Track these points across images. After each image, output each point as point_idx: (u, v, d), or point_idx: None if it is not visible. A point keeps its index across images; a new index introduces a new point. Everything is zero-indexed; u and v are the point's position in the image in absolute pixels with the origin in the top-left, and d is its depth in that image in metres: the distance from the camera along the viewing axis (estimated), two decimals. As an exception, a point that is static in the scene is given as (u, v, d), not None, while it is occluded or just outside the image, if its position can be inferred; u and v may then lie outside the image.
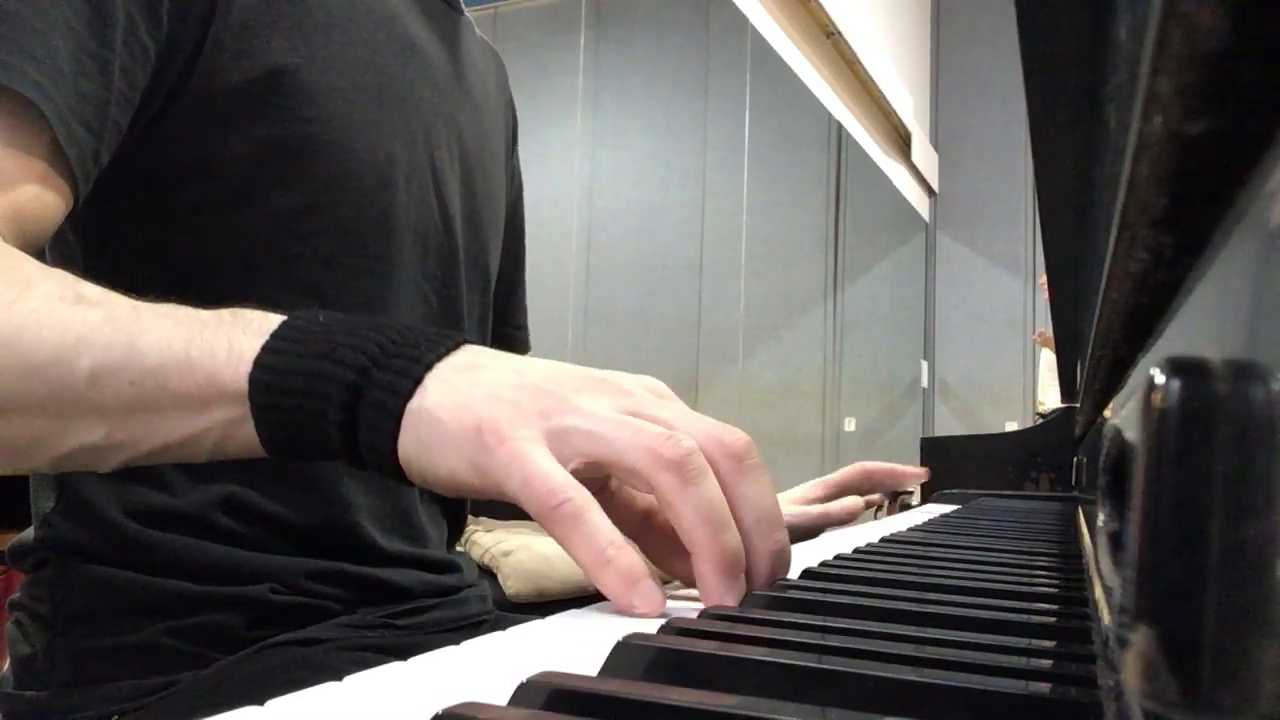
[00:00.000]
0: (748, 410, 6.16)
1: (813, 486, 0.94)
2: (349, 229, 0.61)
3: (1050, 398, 3.58)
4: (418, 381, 0.37)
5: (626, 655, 0.24)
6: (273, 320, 0.40)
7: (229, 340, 0.39)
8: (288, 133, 0.57)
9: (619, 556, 0.33)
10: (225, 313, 0.41)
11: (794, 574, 0.42)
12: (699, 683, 0.23)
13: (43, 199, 0.48)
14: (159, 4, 0.53)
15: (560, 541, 0.34)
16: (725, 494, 0.35)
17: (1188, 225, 0.19)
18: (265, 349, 0.39)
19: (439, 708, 0.19)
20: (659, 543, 0.39)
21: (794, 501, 0.90)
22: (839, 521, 0.87)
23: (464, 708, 0.19)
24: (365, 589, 0.62)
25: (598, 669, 0.24)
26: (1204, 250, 0.19)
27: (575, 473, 0.35)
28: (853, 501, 0.90)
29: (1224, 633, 0.13)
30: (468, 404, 0.36)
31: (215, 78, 0.55)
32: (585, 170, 6.84)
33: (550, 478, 0.34)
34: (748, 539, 0.36)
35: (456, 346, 0.39)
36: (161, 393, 0.39)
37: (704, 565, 0.34)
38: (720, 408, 6.25)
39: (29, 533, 0.59)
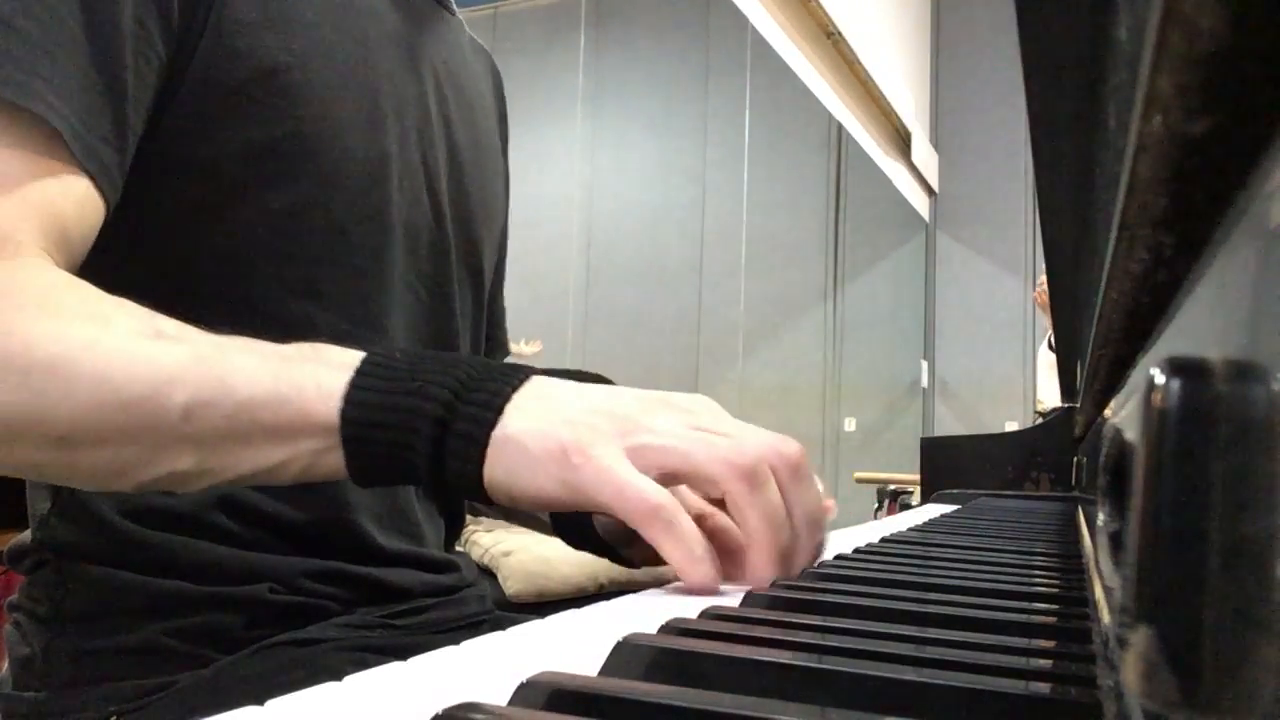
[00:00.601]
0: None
1: None
2: (343, 227, 0.61)
3: (1050, 397, 3.58)
4: (499, 412, 0.42)
5: (626, 655, 0.24)
6: (352, 356, 0.44)
7: (315, 376, 0.43)
8: (280, 131, 0.57)
9: (705, 557, 0.39)
10: (306, 348, 0.44)
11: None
12: (699, 683, 0.23)
13: (84, 215, 0.49)
14: (170, 11, 0.53)
15: (654, 542, 0.39)
16: (782, 497, 0.41)
17: (1188, 225, 0.19)
18: (354, 385, 0.42)
19: (439, 708, 0.19)
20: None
21: None
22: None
23: (464, 708, 0.19)
24: (364, 589, 0.62)
25: (598, 669, 0.24)
26: (1204, 250, 0.19)
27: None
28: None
29: (1224, 633, 0.13)
30: (549, 429, 0.41)
31: (208, 77, 0.55)
32: (585, 170, 6.84)
33: (641, 485, 0.39)
34: (796, 535, 0.41)
35: (527, 379, 0.44)
36: (253, 425, 0.42)
37: (760, 557, 0.39)
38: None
39: (27, 534, 0.59)
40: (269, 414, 0.42)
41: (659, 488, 0.39)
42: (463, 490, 0.42)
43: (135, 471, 0.43)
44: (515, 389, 0.43)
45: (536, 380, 0.44)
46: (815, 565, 0.44)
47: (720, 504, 0.44)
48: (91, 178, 0.49)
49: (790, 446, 0.42)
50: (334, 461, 0.43)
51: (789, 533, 0.41)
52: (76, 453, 0.43)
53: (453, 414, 0.42)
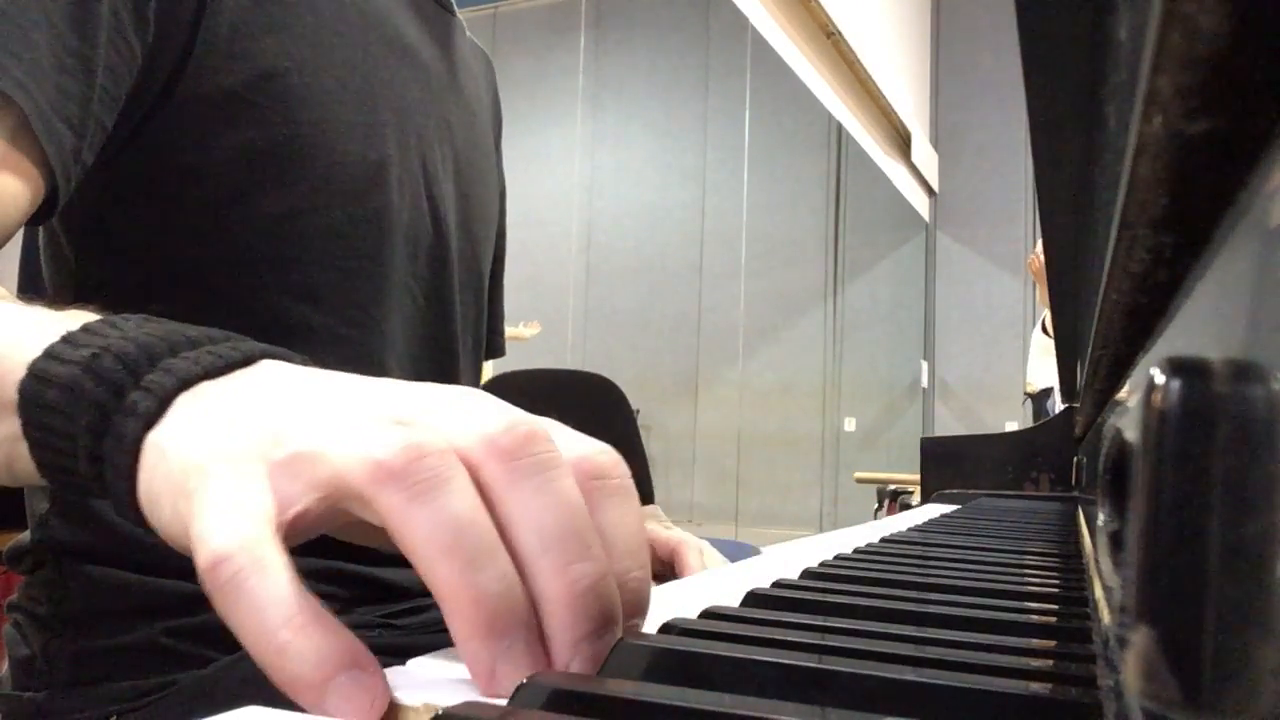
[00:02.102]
0: (748, 410, 6.16)
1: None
2: (341, 231, 0.61)
3: (1039, 378, 3.55)
4: (166, 402, 0.29)
5: (626, 655, 0.24)
6: (88, 319, 0.33)
7: (27, 341, 0.32)
8: (279, 135, 0.57)
9: (296, 640, 0.22)
10: (62, 312, 0.35)
11: (794, 574, 0.42)
12: (699, 683, 0.23)
13: (12, 198, 0.47)
14: (145, 4, 0.53)
15: (225, 620, 0.24)
16: (493, 510, 0.24)
17: (1188, 225, 0.19)
18: (44, 351, 0.31)
19: (439, 708, 0.19)
20: None
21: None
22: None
23: (464, 707, 0.19)
24: (363, 588, 0.62)
25: (598, 669, 0.24)
26: (1204, 250, 0.19)
27: (309, 518, 0.25)
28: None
29: (1224, 633, 0.13)
30: (196, 437, 0.27)
31: (205, 80, 0.55)
32: (585, 170, 6.84)
33: (212, 535, 0.24)
34: (531, 572, 0.24)
35: (245, 361, 0.31)
36: None
37: (454, 620, 0.23)
38: (720, 408, 6.26)
39: (27, 534, 0.59)
40: None
41: (234, 529, 0.24)
42: (125, 516, 0.29)
43: None
44: (207, 373, 0.30)
45: (260, 366, 0.31)
46: (639, 620, 0.26)
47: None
48: (38, 161, 0.48)
49: (521, 431, 0.25)
50: (23, 455, 0.32)
51: (499, 571, 0.23)
52: None
53: (118, 400, 0.29)
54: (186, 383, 0.29)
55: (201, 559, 0.24)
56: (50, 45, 0.48)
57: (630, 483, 0.27)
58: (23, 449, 0.32)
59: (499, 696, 0.22)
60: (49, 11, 0.48)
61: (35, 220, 0.50)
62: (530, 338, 4.51)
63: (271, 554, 0.24)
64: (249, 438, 0.27)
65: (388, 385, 0.29)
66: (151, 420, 0.28)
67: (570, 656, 0.23)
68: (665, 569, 0.71)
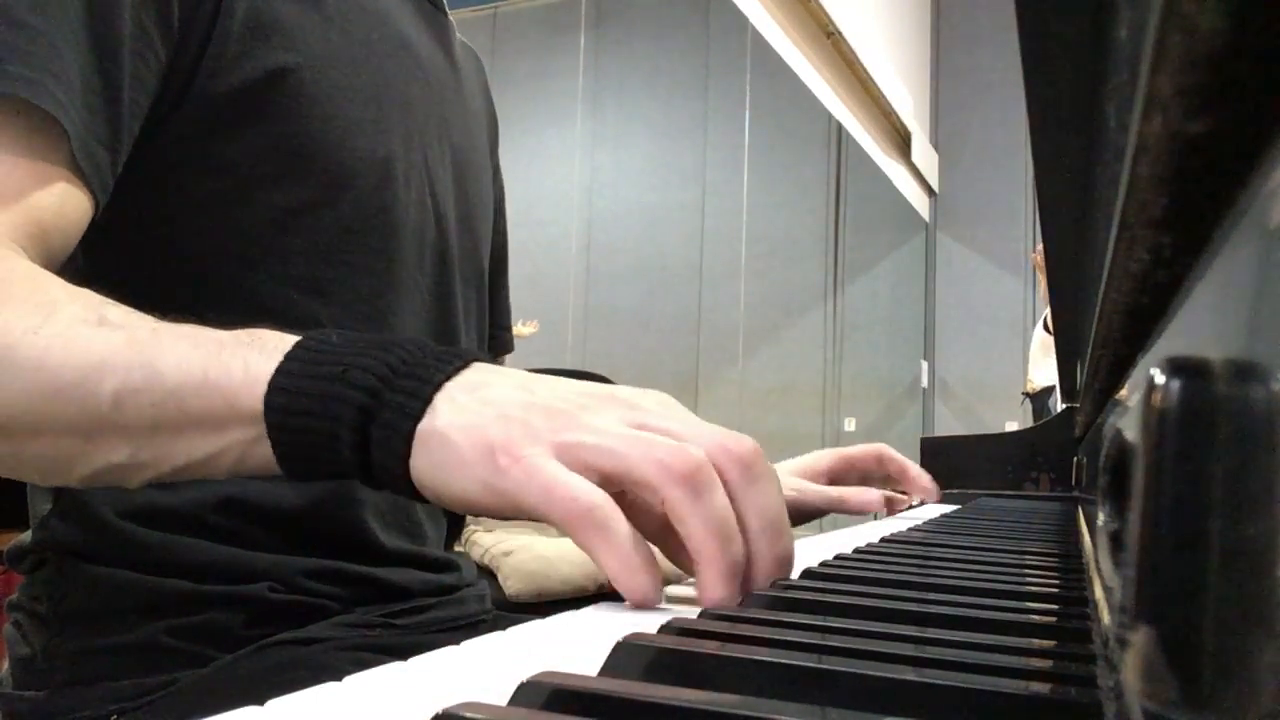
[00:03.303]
0: (748, 410, 6.16)
1: (823, 456, 0.92)
2: (350, 227, 0.61)
3: (1040, 376, 3.55)
4: (427, 402, 0.38)
5: (626, 655, 0.24)
6: (288, 341, 0.41)
7: (245, 361, 0.40)
8: (288, 132, 0.58)
9: (643, 568, 0.34)
10: (243, 333, 0.42)
11: (794, 574, 0.42)
12: (699, 683, 0.23)
13: (64, 213, 0.49)
14: (170, 12, 0.53)
15: (586, 548, 0.35)
16: (733, 502, 0.36)
17: (1188, 225, 0.19)
18: (279, 370, 0.39)
19: (439, 708, 0.19)
20: (679, 546, 0.39)
21: (802, 472, 0.89)
22: (852, 512, 0.86)
23: (464, 708, 0.19)
24: (364, 587, 0.62)
25: (598, 669, 0.24)
26: (1204, 250, 0.19)
27: None
28: (873, 495, 0.88)
29: (1224, 633, 0.13)
30: (478, 424, 0.37)
31: (218, 79, 0.56)
32: (585, 170, 6.84)
33: (571, 485, 0.34)
34: (753, 545, 0.36)
35: (465, 365, 0.40)
36: (181, 414, 0.40)
37: (708, 574, 0.34)
38: (720, 408, 6.26)
39: (28, 534, 0.59)
40: (198, 402, 0.40)
41: (592, 488, 0.35)
42: (392, 486, 0.39)
43: (75, 463, 0.42)
44: (449, 377, 0.39)
45: (477, 367, 0.40)
46: (783, 577, 0.38)
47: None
48: (84, 178, 0.49)
49: (741, 443, 0.37)
50: (264, 453, 0.40)
51: (739, 545, 0.35)
52: (17, 443, 0.42)
53: (379, 402, 0.38)
54: (438, 386, 0.38)
55: (566, 502, 0.34)
56: (77, 65, 0.49)
57: (766, 467, 0.38)
58: (260, 449, 0.40)
59: (726, 608, 0.32)
60: (74, 31, 0.49)
61: None
62: (528, 336, 4.51)
63: (612, 500, 0.35)
64: (528, 426, 0.36)
65: (599, 386, 0.39)
66: (419, 415, 0.38)
67: (765, 585, 0.36)
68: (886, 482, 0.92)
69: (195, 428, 0.41)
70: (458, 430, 0.37)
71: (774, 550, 0.37)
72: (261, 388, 0.39)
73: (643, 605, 0.34)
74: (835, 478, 0.91)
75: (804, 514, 0.87)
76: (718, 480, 0.35)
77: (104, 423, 0.41)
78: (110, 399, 0.40)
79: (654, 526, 0.38)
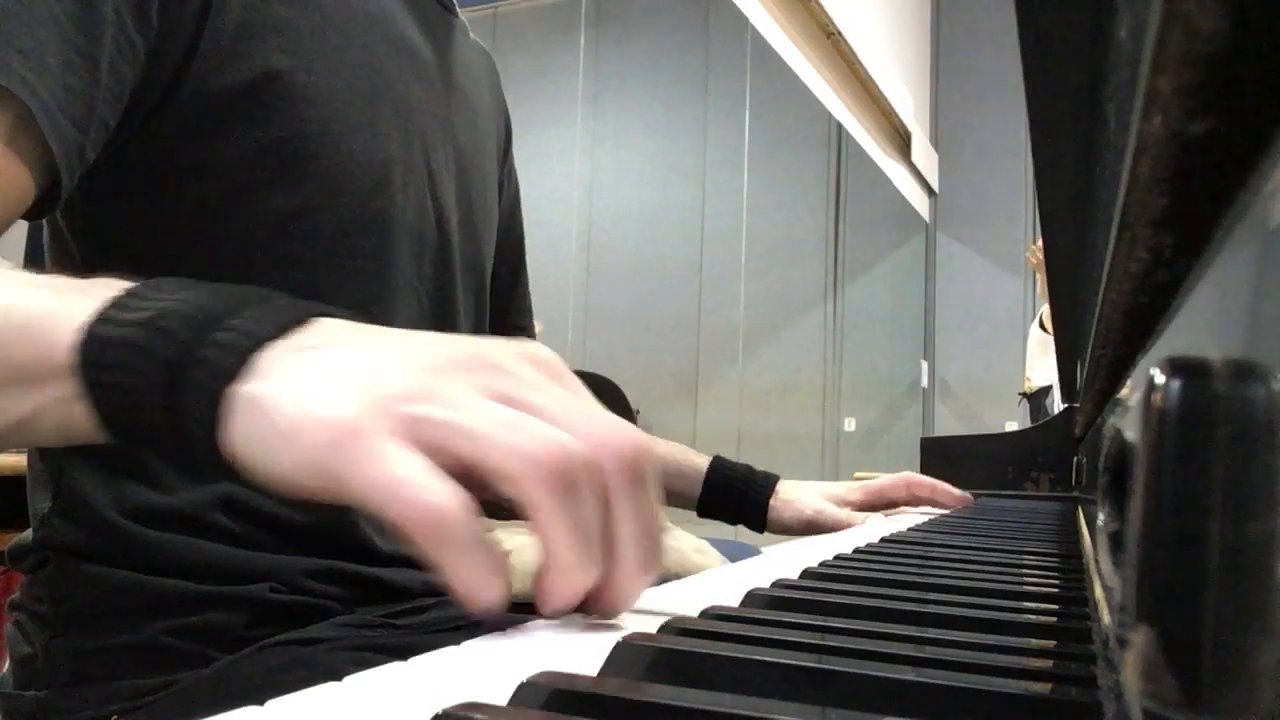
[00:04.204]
0: (748, 410, 6.16)
1: (855, 489, 0.95)
2: (346, 230, 0.61)
3: (1037, 375, 3.55)
4: (244, 359, 0.31)
5: (626, 655, 0.24)
6: (126, 286, 0.36)
7: (70, 308, 0.34)
8: (283, 134, 0.58)
9: (494, 584, 0.29)
10: (88, 280, 0.37)
11: (794, 574, 0.42)
12: (699, 683, 0.23)
13: (4, 195, 0.47)
14: (148, 3, 0.53)
15: (432, 560, 0.29)
16: (607, 505, 0.31)
17: (1188, 225, 0.19)
18: (98, 316, 0.34)
19: (439, 708, 0.19)
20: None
21: (832, 499, 0.93)
22: None
23: (464, 708, 0.19)
24: (364, 588, 0.62)
25: (598, 669, 0.24)
26: (1204, 250, 0.19)
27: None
28: (875, 518, 0.91)
29: (1224, 633, 0.13)
30: (309, 391, 0.30)
31: (211, 79, 0.55)
32: (585, 170, 6.84)
33: (414, 483, 0.28)
34: (621, 558, 0.31)
35: (304, 320, 0.33)
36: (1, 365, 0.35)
37: (556, 584, 0.30)
38: (720, 408, 6.26)
39: (28, 533, 0.59)
40: (16, 351, 0.35)
41: (441, 487, 0.28)
42: (207, 462, 0.32)
43: None
44: (281, 332, 0.32)
45: (319, 323, 0.33)
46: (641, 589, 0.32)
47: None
48: (45, 154, 0.48)
49: (625, 438, 0.31)
50: (82, 414, 0.34)
51: (597, 563, 0.30)
52: None
53: (191, 357, 0.32)
54: (261, 342, 0.32)
55: (419, 515, 0.28)
56: (56, 43, 0.48)
57: (651, 471, 0.32)
58: (80, 409, 0.34)
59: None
60: (55, 10, 0.48)
61: (36, 215, 0.50)
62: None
63: (468, 503, 0.29)
64: (371, 395, 0.30)
65: (467, 342, 0.33)
66: (232, 375, 0.31)
67: (627, 604, 0.31)
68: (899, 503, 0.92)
69: (15, 382, 0.35)
70: (284, 398, 0.30)
71: (643, 566, 0.31)
72: (77, 335, 0.34)
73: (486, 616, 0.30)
74: (866, 509, 0.95)
75: (812, 531, 0.91)
76: (588, 482, 0.30)
77: None
78: None
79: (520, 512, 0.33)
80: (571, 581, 0.30)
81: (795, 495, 0.92)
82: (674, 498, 0.93)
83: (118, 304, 0.34)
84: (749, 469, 0.95)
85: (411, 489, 0.28)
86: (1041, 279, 3.90)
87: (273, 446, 0.30)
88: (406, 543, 0.29)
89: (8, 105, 0.46)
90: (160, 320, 0.32)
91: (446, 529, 0.28)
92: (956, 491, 0.98)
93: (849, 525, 0.89)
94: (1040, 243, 4.09)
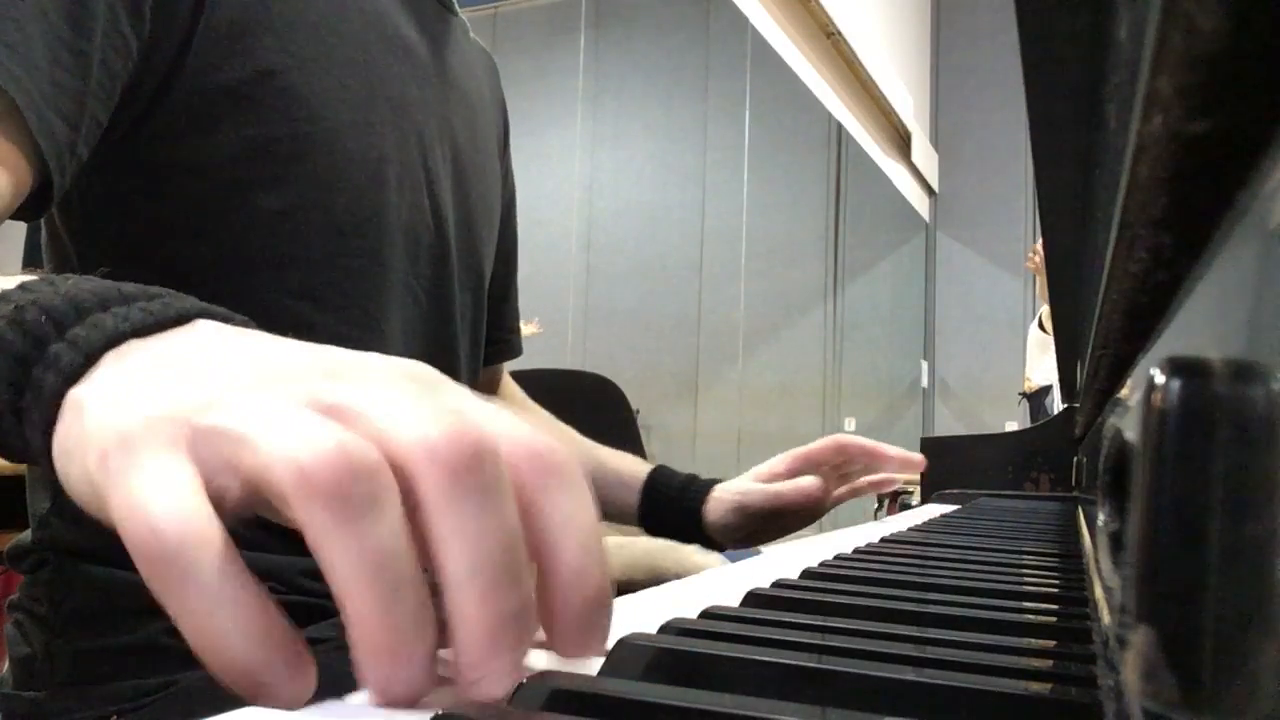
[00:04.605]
0: (748, 410, 6.16)
1: (780, 460, 0.87)
2: (340, 229, 0.61)
3: (1037, 375, 3.55)
4: (91, 359, 0.28)
5: (626, 655, 0.24)
6: (22, 280, 0.33)
7: None
8: (277, 133, 0.57)
9: (230, 629, 0.23)
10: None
11: (794, 574, 0.42)
12: (699, 683, 0.23)
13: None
14: (141, 1, 0.53)
15: (160, 600, 0.22)
16: (426, 531, 0.22)
17: (1188, 225, 0.19)
18: None
19: (439, 707, 0.19)
20: None
21: (757, 478, 0.86)
22: (793, 503, 0.81)
23: (464, 707, 0.19)
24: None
25: (598, 669, 0.24)
26: (1204, 250, 0.19)
27: (230, 499, 0.24)
28: (807, 482, 0.82)
29: (1224, 633, 0.13)
30: (119, 394, 0.26)
31: (204, 77, 0.55)
32: (585, 170, 6.84)
33: (149, 504, 0.22)
34: (452, 602, 0.22)
35: (181, 320, 0.30)
36: None
37: (359, 647, 0.22)
38: (720, 408, 6.26)
39: (27, 534, 0.59)
40: None
41: (180, 512, 0.22)
42: (46, 470, 0.28)
43: None
44: (136, 330, 0.29)
45: (195, 326, 0.30)
46: (599, 646, 0.24)
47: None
48: (36, 151, 0.48)
49: (460, 439, 0.23)
50: None
51: (411, 599, 0.22)
52: None
53: (40, 353, 0.29)
54: (113, 339, 0.28)
55: (139, 537, 0.22)
56: (46, 39, 0.48)
57: (583, 476, 0.25)
58: None
59: (394, 709, 0.21)
60: (45, 6, 0.48)
61: (31, 214, 0.50)
62: (530, 337, 4.49)
63: (214, 531, 0.22)
64: (173, 401, 0.25)
65: (328, 354, 0.28)
66: (75, 375, 0.28)
67: (476, 680, 0.21)
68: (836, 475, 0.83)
69: None
70: (97, 400, 0.26)
71: (489, 613, 0.22)
72: None
73: (238, 688, 0.24)
74: (798, 476, 0.86)
75: (755, 519, 0.84)
76: (384, 499, 0.22)
77: None
78: None
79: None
80: (377, 638, 0.21)
81: (724, 488, 0.85)
82: (617, 511, 0.87)
83: (2, 296, 0.31)
84: (690, 477, 0.87)
85: (143, 509, 0.22)
86: (1041, 281, 3.90)
87: (70, 456, 0.27)
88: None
89: (8, 101, 0.46)
90: (22, 314, 0.29)
91: (170, 560, 0.22)
92: (901, 452, 0.88)
93: (781, 498, 0.82)
94: (1040, 245, 4.09)
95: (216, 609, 0.22)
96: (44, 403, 0.28)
